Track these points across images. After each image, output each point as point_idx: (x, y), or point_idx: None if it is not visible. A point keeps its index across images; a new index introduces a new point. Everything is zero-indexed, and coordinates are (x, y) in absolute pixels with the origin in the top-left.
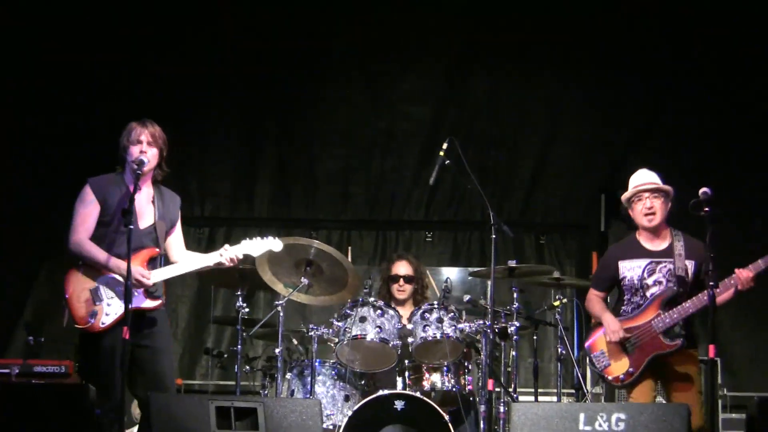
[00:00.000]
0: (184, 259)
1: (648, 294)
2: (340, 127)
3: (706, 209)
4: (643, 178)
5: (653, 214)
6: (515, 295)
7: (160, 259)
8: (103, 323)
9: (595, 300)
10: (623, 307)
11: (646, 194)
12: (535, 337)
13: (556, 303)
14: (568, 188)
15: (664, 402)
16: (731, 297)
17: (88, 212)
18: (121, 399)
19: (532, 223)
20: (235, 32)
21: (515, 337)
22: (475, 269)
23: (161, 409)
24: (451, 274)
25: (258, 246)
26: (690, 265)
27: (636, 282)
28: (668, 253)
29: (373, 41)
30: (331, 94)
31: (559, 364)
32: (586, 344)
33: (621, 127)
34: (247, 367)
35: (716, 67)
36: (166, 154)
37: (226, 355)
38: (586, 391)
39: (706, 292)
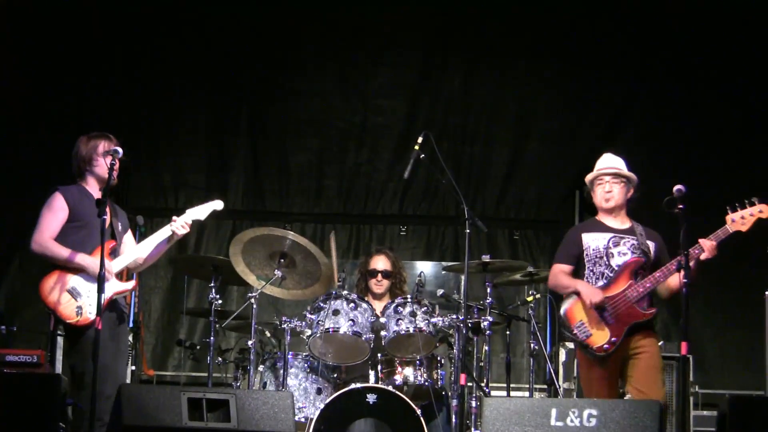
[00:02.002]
0: (143, 241)
1: (613, 264)
2: (313, 120)
3: (680, 206)
4: (606, 162)
5: (610, 197)
6: (488, 290)
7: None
8: (90, 313)
9: (561, 273)
10: (585, 280)
11: (607, 178)
12: (508, 332)
13: (530, 298)
14: (542, 184)
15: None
16: (696, 273)
17: (55, 217)
18: (93, 390)
19: (506, 218)
20: (209, 24)
21: (488, 331)
22: (449, 264)
23: (133, 400)
24: (425, 268)
25: (202, 210)
26: (651, 245)
27: (602, 250)
28: (630, 232)
29: (346, 34)
30: (304, 87)
31: (531, 360)
32: (562, 313)
33: (595, 122)
34: (220, 359)
35: (689, 61)
36: None
37: (198, 347)
38: (558, 386)
39: (674, 261)
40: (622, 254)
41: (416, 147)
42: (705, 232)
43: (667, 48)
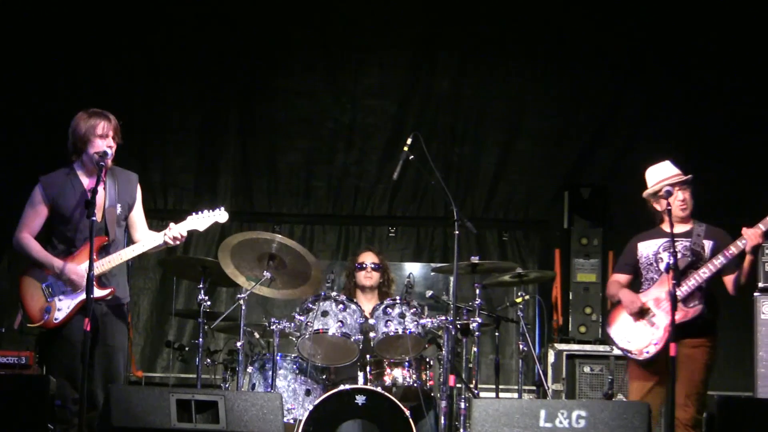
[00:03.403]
0: (131, 246)
1: (662, 268)
2: (302, 121)
3: (668, 207)
4: (670, 170)
5: (687, 205)
6: (477, 291)
7: (114, 246)
8: (56, 318)
9: (613, 283)
10: (642, 288)
11: (677, 187)
12: (497, 334)
13: (519, 300)
14: (531, 184)
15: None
16: (747, 266)
17: (35, 213)
18: (82, 391)
19: (495, 219)
20: (199, 24)
21: (477, 333)
22: (438, 265)
23: (121, 402)
24: (414, 269)
25: (203, 220)
26: (708, 244)
27: (651, 256)
28: (687, 234)
29: (335, 34)
30: (293, 87)
31: (520, 361)
32: (608, 329)
33: (585, 123)
34: (209, 361)
35: (680, 60)
36: None
37: (187, 348)
38: (547, 387)
39: (719, 256)
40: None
41: (405, 148)
42: None
43: (658, 47)
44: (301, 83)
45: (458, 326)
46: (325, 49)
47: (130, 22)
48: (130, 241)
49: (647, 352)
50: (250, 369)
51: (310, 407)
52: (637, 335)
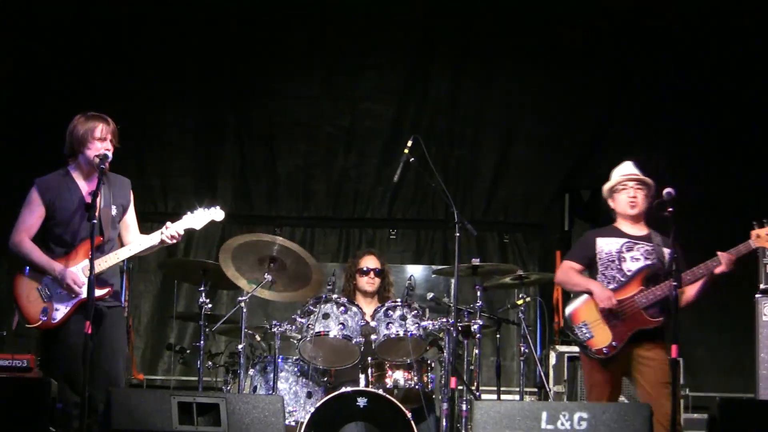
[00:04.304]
0: (127, 245)
1: (624, 268)
2: (301, 124)
3: (670, 209)
4: (628, 169)
5: (636, 203)
6: (478, 293)
7: (109, 246)
8: (54, 318)
9: (572, 271)
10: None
11: (631, 183)
12: (498, 336)
13: (520, 302)
14: (531, 187)
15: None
16: (703, 287)
17: (31, 214)
18: (83, 394)
19: (495, 221)
20: (196, 28)
21: (478, 335)
22: (439, 267)
23: (122, 404)
24: (415, 271)
25: (200, 218)
26: (666, 252)
27: (614, 254)
28: (647, 239)
29: (333, 38)
30: (291, 90)
31: (521, 363)
32: (567, 312)
33: (583, 125)
34: (210, 363)
35: (676, 63)
36: None
37: (188, 351)
38: (548, 389)
39: (689, 271)
40: (635, 259)
41: (405, 151)
42: (697, 233)
43: (654, 50)
44: (299, 87)
45: (459, 328)
46: (323, 52)
47: (127, 26)
48: (122, 245)
49: (605, 351)
50: (251, 371)
51: (312, 410)
52: (597, 332)
